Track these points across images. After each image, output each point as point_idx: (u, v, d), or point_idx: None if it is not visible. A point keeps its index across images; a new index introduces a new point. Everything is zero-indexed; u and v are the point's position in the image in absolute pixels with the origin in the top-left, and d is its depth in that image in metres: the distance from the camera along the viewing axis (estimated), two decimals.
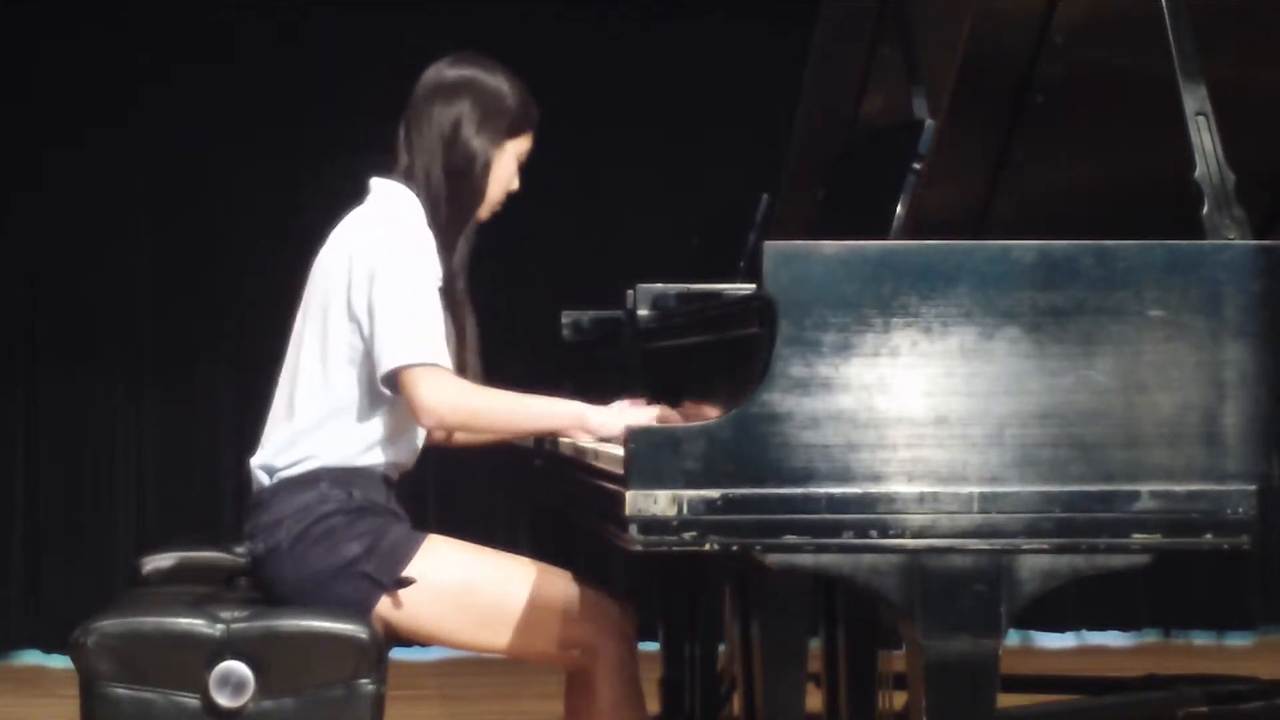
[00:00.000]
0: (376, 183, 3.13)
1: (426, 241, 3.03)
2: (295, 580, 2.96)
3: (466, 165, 3.09)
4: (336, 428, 3.02)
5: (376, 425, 3.03)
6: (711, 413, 2.65)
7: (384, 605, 2.96)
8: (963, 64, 2.97)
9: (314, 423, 3.02)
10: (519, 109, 3.15)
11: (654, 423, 2.78)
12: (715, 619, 4.15)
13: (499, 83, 3.13)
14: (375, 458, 3.04)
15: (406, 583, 2.95)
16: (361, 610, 2.94)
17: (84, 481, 6.53)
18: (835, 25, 3.80)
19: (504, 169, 3.15)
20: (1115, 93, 3.04)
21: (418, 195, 3.08)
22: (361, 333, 3.00)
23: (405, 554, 2.97)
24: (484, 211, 3.17)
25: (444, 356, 2.97)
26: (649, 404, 3.11)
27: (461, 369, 3.09)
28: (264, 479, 3.05)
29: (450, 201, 3.09)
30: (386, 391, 2.99)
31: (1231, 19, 2.93)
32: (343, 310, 3.01)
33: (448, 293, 3.06)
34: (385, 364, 2.95)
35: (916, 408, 2.44)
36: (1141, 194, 2.96)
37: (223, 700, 2.82)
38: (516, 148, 3.16)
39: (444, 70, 3.14)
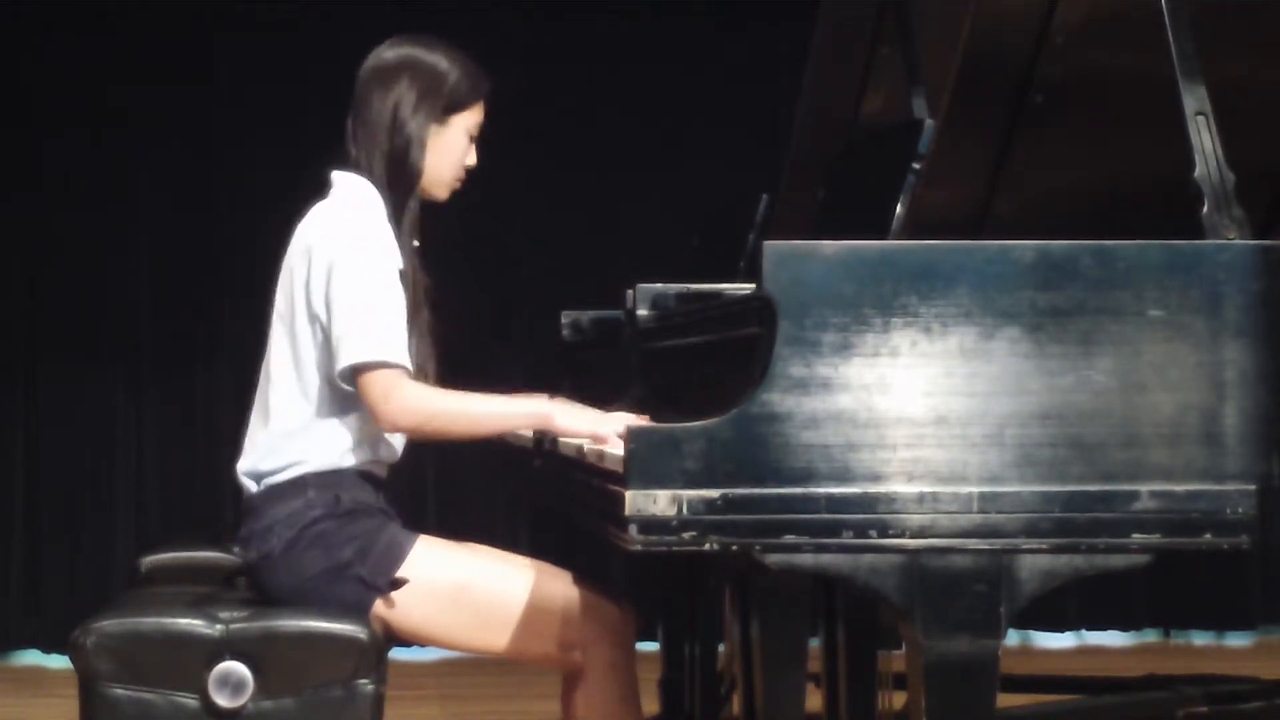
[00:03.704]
0: (337, 176, 3.09)
1: (385, 231, 3.00)
2: (289, 586, 2.96)
3: (405, 147, 3.05)
4: (318, 431, 3.00)
5: (357, 423, 3.00)
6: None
7: (380, 607, 2.96)
8: (963, 64, 2.96)
9: (295, 427, 3.00)
10: (460, 83, 3.09)
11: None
12: (715, 619, 4.15)
13: (436, 59, 3.08)
14: (361, 456, 3.02)
15: (400, 584, 2.94)
16: (357, 613, 2.93)
17: (84, 481, 6.53)
18: (835, 25, 3.80)
19: (452, 145, 3.10)
20: (1115, 93, 3.03)
21: (373, 184, 3.05)
22: (324, 330, 2.97)
23: (398, 556, 2.96)
24: (441, 191, 3.12)
25: (400, 353, 2.93)
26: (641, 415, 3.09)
27: (421, 358, 3.03)
28: (251, 486, 3.04)
29: (394, 186, 3.05)
30: (348, 388, 2.97)
31: (1231, 19, 2.93)
32: (304, 309, 2.98)
33: (405, 281, 3.00)
34: (340, 360, 2.92)
35: (916, 408, 2.44)
36: (1141, 194, 2.96)
37: (222, 700, 2.82)
38: (464, 122, 3.10)
39: (382, 54, 3.10)
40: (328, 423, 3.00)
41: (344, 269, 2.94)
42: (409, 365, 2.95)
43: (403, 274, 3.00)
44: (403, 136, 3.05)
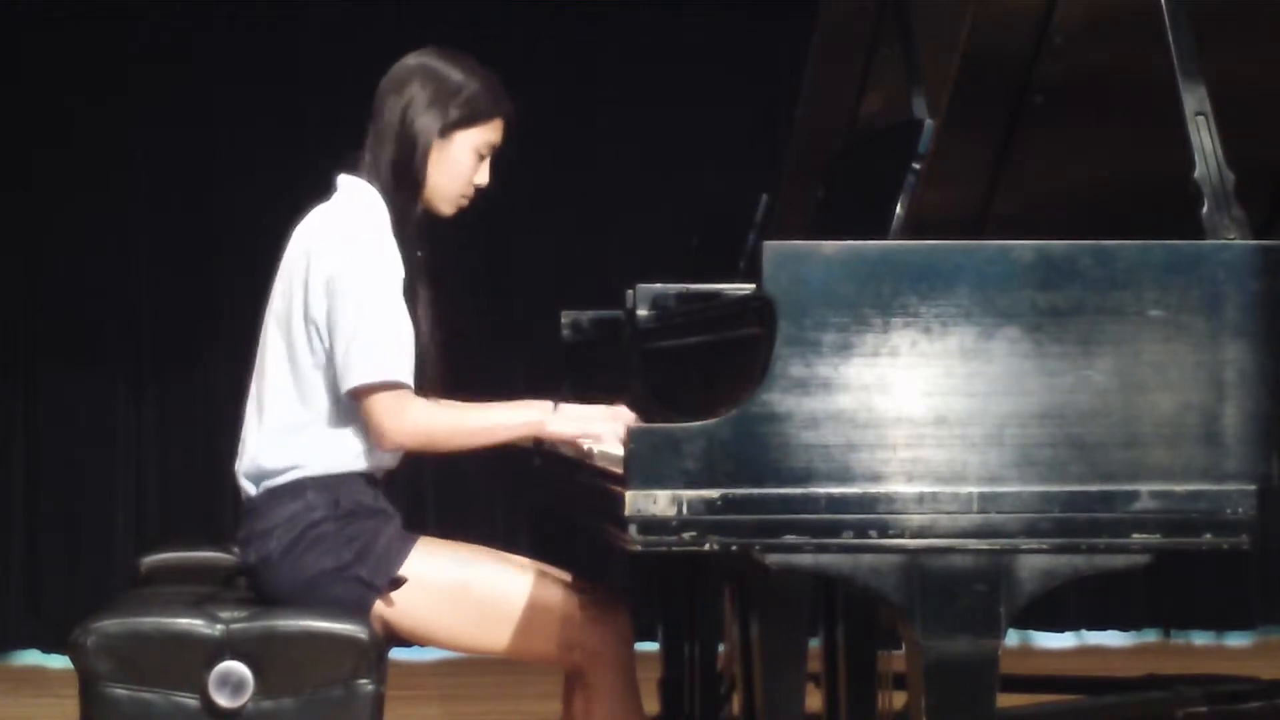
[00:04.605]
0: (342, 180, 3.07)
1: (387, 240, 2.98)
2: (289, 587, 2.96)
3: (410, 151, 3.02)
4: (316, 435, 2.99)
5: (356, 429, 2.99)
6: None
7: (381, 607, 2.96)
8: (962, 64, 2.97)
9: (292, 429, 2.99)
10: (476, 98, 3.05)
11: (615, 426, 2.80)
12: (715, 619, 4.15)
13: (453, 70, 3.05)
14: (359, 463, 3.01)
15: (400, 583, 2.94)
16: (358, 614, 2.93)
17: (84, 481, 6.53)
18: (835, 25, 3.80)
19: (458, 159, 3.06)
20: (1115, 93, 3.04)
21: (378, 189, 3.03)
22: (320, 338, 2.96)
23: (398, 555, 2.96)
24: (445, 206, 3.09)
25: (404, 371, 2.92)
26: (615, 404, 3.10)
27: (420, 367, 3.01)
28: (250, 488, 3.03)
29: (397, 191, 3.03)
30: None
31: (1231, 19, 2.93)
32: (301, 315, 2.97)
33: (406, 290, 2.98)
34: (345, 382, 2.92)
35: (916, 408, 2.44)
36: (1141, 194, 2.96)
37: (222, 700, 2.82)
38: (474, 139, 3.06)
39: (404, 62, 3.09)
40: (326, 428, 2.99)
41: (345, 282, 2.92)
42: (411, 384, 2.94)
43: (406, 285, 2.98)
44: (408, 141, 3.02)
